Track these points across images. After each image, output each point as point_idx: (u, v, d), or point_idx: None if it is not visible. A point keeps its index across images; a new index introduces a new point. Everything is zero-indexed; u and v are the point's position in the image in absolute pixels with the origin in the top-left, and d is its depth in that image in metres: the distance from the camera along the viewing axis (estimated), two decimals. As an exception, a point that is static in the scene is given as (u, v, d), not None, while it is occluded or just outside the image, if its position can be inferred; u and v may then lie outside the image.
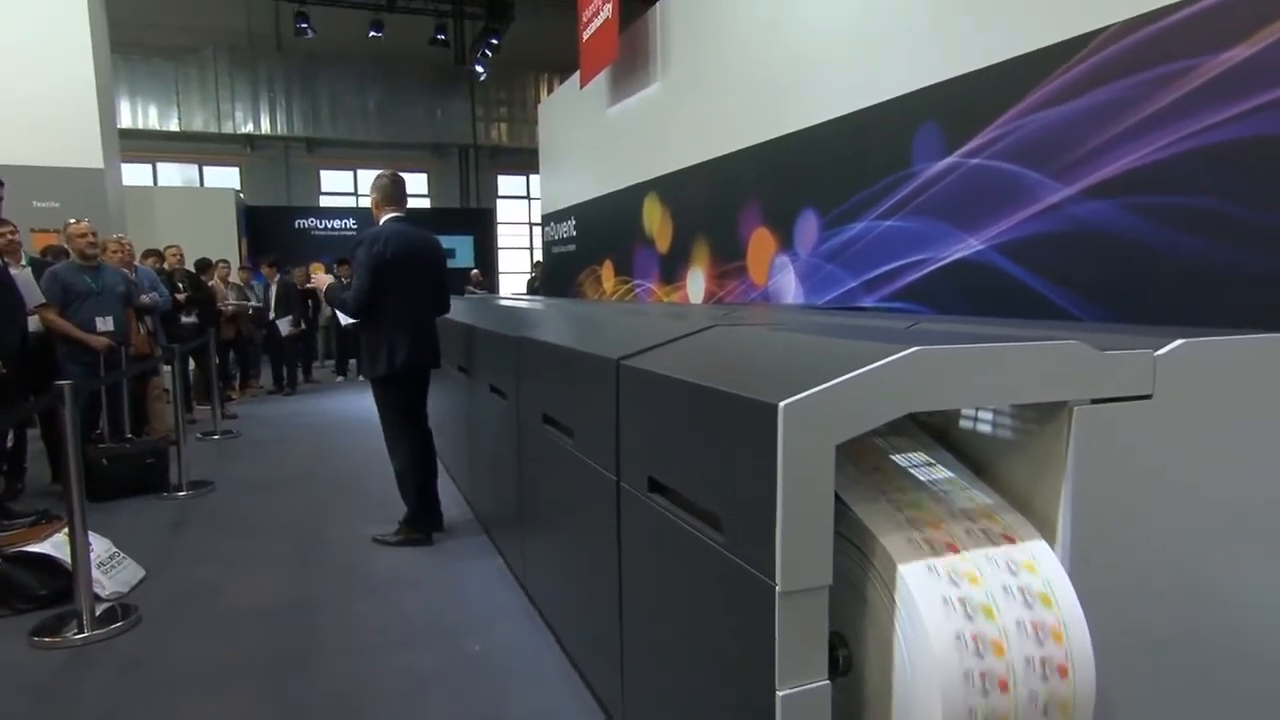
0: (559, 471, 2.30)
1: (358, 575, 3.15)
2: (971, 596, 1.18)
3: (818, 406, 1.12)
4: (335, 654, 2.49)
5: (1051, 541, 1.30)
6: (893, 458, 1.43)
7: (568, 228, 9.12)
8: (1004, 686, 1.14)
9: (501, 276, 15.46)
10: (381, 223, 3.48)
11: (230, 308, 7.71)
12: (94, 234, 4.61)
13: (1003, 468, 1.41)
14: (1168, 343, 1.34)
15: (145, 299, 5.40)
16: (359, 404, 3.97)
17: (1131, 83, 2.69)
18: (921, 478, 1.38)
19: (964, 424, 1.50)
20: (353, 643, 2.56)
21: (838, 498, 1.31)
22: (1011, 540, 1.27)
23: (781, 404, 1.11)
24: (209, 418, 6.27)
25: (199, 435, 6.01)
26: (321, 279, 4.20)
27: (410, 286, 3.40)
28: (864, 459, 1.42)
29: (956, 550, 1.23)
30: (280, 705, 2.20)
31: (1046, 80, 2.99)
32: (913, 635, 1.16)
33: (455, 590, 2.98)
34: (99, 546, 3.05)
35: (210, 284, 7.40)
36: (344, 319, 3.68)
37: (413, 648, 2.52)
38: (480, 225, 14.70)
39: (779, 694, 1.12)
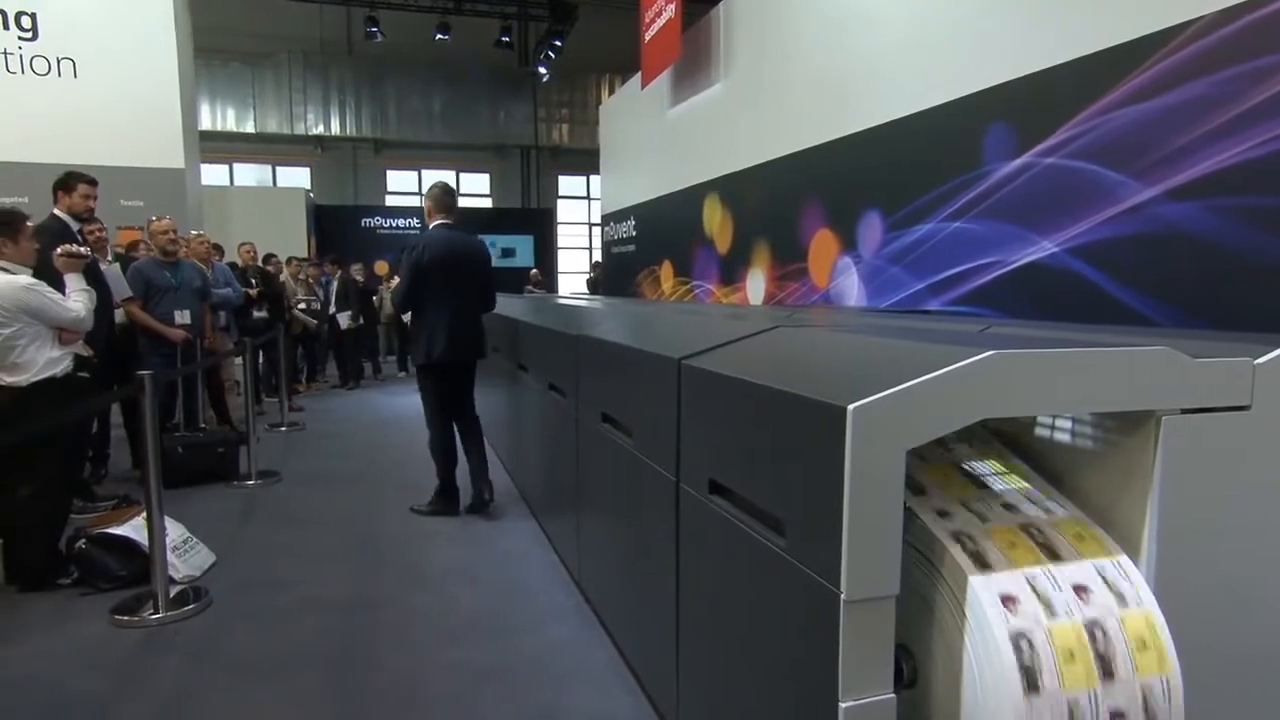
0: (617, 471, 2.29)
1: (415, 569, 3.20)
2: (1046, 612, 1.13)
3: (888, 410, 1.09)
4: (393, 648, 2.53)
5: (1135, 558, 1.23)
6: (965, 466, 1.38)
7: (627, 228, 9.14)
8: (1077, 703, 1.09)
9: (560, 276, 15.60)
10: (431, 228, 3.86)
11: (301, 306, 7.95)
12: (175, 231, 4.81)
13: (1082, 480, 1.35)
14: (1268, 351, 1.26)
15: (219, 294, 5.61)
16: (418, 399, 4.05)
17: (1221, 78, 2.56)
18: (995, 487, 1.33)
19: (1040, 432, 1.44)
20: (410, 637, 2.61)
21: (906, 506, 1.27)
22: (1091, 555, 1.21)
23: (851, 407, 1.08)
24: (276, 410, 6.48)
25: (267, 427, 6.21)
26: (395, 282, 4.55)
27: (448, 287, 3.75)
28: (934, 466, 1.37)
29: (1031, 563, 1.18)
30: (341, 696, 2.24)
31: (1129, 76, 2.87)
32: (983, 650, 1.12)
33: (510, 587, 3.01)
34: (173, 531, 3.17)
35: (281, 279, 7.64)
36: (404, 316, 4.11)
37: (467, 644, 2.54)
38: (540, 225, 14.86)
39: (842, 706, 1.09)
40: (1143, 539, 1.22)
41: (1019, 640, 1.10)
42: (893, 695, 1.12)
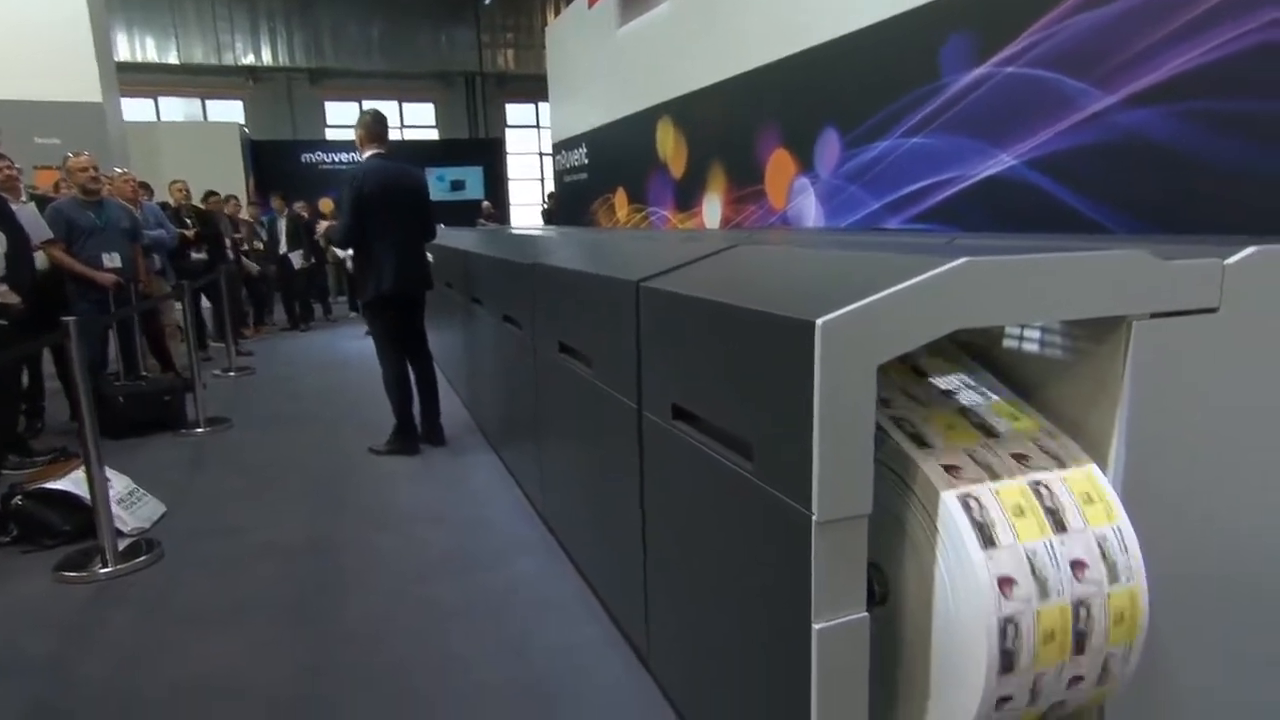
0: (577, 401, 2.23)
1: (376, 510, 3.14)
2: (1018, 522, 1.11)
3: (858, 324, 1.03)
4: (355, 590, 2.48)
5: (1104, 467, 1.22)
6: (933, 380, 1.35)
7: (579, 155, 8.89)
8: (1052, 610, 1.08)
9: (513, 209, 15.23)
10: (365, 159, 3.72)
11: (250, 251, 7.62)
12: (95, 168, 4.50)
13: (1052, 391, 1.32)
14: (1236, 251, 1.23)
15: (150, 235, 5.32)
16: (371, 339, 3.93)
17: (1185, -23, 2.48)
18: (964, 401, 1.30)
19: (1009, 344, 1.41)
20: (372, 579, 2.56)
21: (876, 423, 1.23)
22: (1061, 464, 1.19)
23: (819, 321, 1.03)
24: (224, 356, 6.26)
25: (215, 373, 6.00)
26: (323, 225, 4.69)
27: (391, 218, 3.63)
28: (903, 382, 1.34)
29: (1003, 475, 1.16)
30: (302, 639, 2.20)
31: (1091, -22, 2.78)
32: (955, 563, 1.09)
33: (474, 522, 2.97)
34: (118, 483, 3.05)
35: (241, 217, 7.28)
36: (341, 254, 3.97)
37: (433, 582, 2.51)
38: (490, 155, 14.41)
39: (815, 628, 1.07)
40: (1111, 448, 1.21)
41: (991, 551, 1.08)
42: (866, 615, 1.10)
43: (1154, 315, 1.18)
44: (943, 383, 1.35)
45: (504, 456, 3.61)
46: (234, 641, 2.20)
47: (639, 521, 1.79)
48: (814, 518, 1.05)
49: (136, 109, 12.00)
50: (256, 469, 3.74)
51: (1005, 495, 1.13)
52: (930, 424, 1.23)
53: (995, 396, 1.32)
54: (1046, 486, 1.16)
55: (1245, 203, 2.38)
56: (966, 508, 1.11)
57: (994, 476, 1.15)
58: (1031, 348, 1.36)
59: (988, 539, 1.09)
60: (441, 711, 1.86)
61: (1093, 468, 1.20)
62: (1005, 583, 1.07)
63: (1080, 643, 1.11)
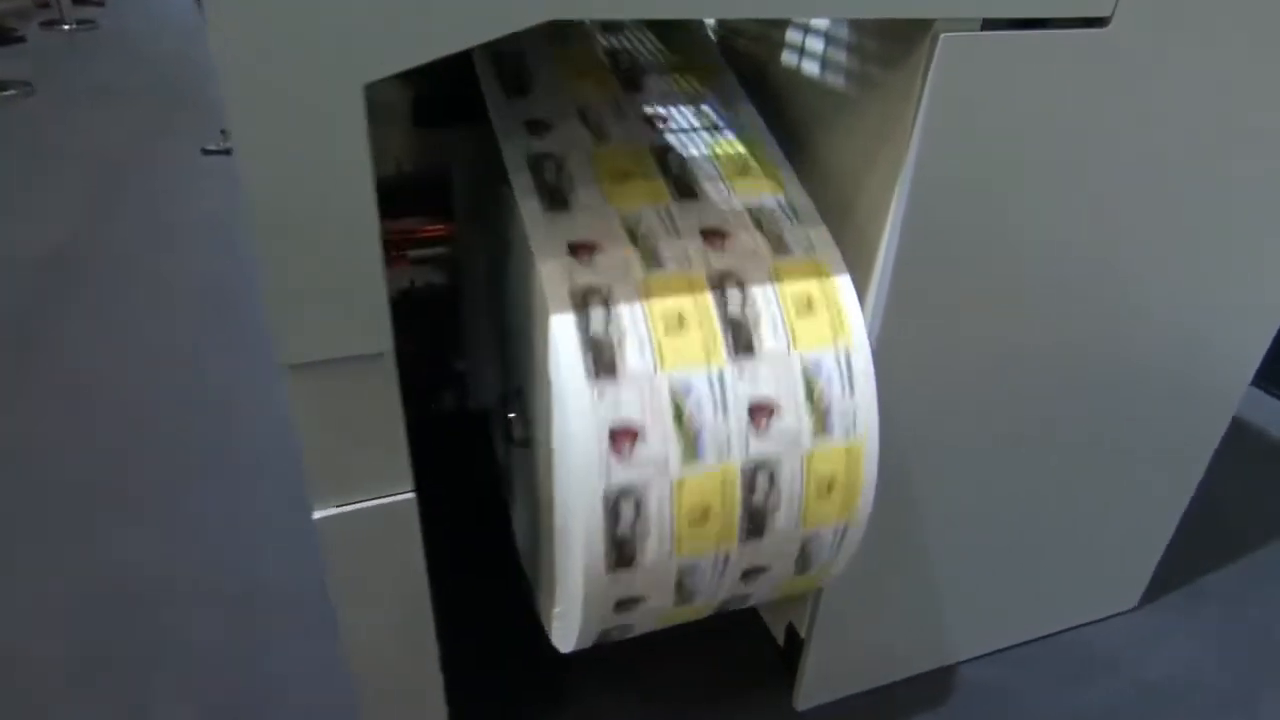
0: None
1: (166, 222, 2.58)
2: (670, 340, 0.69)
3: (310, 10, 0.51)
4: (85, 317, 2.04)
5: (868, 267, 0.78)
6: (648, 104, 0.86)
7: None
8: (705, 477, 0.70)
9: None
10: None
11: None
12: None
13: (826, 140, 0.85)
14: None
15: None
16: None
17: None
18: (673, 139, 0.82)
19: (787, 60, 0.90)
20: (113, 307, 2.10)
21: (505, 180, 0.77)
22: (785, 251, 0.75)
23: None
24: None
25: (41, 23, 4.98)
26: None
27: None
28: (594, 97, 0.84)
29: (668, 264, 0.72)
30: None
31: None
32: (559, 402, 0.69)
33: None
34: None
35: None
36: None
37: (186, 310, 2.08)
38: None
39: (315, 515, 0.68)
40: (882, 235, 0.76)
41: (596, 391, 0.67)
42: (407, 496, 0.70)
43: (987, 24, 0.67)
44: (658, 107, 0.86)
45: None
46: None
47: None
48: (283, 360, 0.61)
49: None
50: (37, 153, 3.04)
51: (659, 296, 0.70)
52: (593, 168, 0.77)
53: (729, 135, 0.84)
54: (740, 285, 0.73)
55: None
56: (582, 314, 0.68)
57: (652, 264, 0.71)
58: (811, 71, 0.86)
59: (604, 364, 0.67)
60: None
61: (831, 262, 0.76)
62: (622, 435, 0.67)
63: (757, 523, 0.75)
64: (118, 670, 1.10)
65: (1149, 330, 0.94)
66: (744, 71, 0.93)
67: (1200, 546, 1.36)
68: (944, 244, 0.76)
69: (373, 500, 0.70)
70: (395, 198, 1.25)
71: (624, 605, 0.75)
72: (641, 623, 0.80)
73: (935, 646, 1.14)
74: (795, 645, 1.06)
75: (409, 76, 0.57)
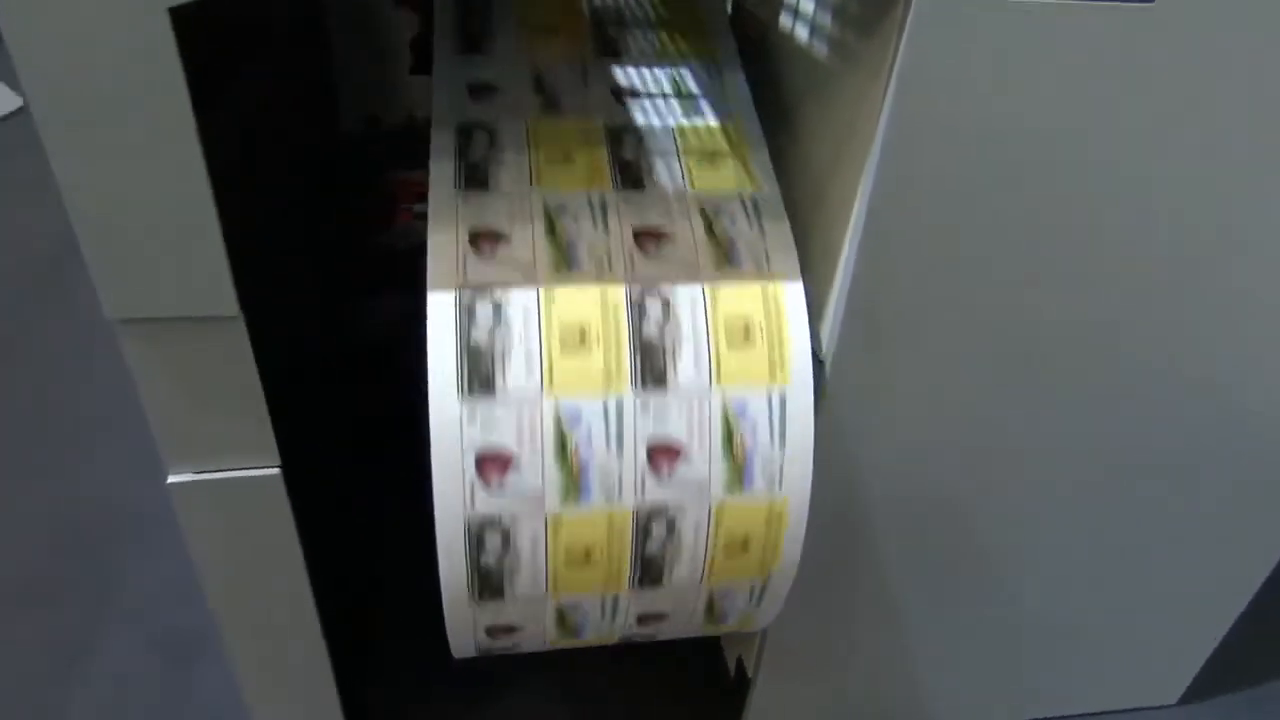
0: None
1: None
2: (565, 359, 0.59)
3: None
4: None
5: (829, 272, 0.65)
6: (618, 67, 0.74)
7: None
8: (587, 518, 0.61)
9: None
10: None
11: None
12: None
13: (807, 119, 0.71)
14: None
15: None
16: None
17: None
18: (639, 116, 0.71)
19: (783, 22, 0.76)
20: None
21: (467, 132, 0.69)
22: (727, 262, 0.63)
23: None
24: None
25: None
26: None
27: None
28: (559, 55, 0.74)
29: (585, 265, 0.61)
30: None
31: None
32: (434, 417, 0.61)
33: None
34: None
35: None
36: None
37: None
38: None
39: (170, 480, 0.63)
40: (845, 236, 0.62)
41: (479, 402, 0.58)
42: (277, 470, 0.64)
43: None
44: (631, 72, 0.74)
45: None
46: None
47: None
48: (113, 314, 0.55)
49: None
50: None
51: (563, 303, 0.60)
52: (530, 143, 0.66)
53: (706, 111, 0.71)
54: (665, 301, 0.61)
55: None
56: (465, 316, 0.59)
57: (563, 264, 0.61)
58: (801, 36, 0.71)
59: (480, 378, 0.58)
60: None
61: (785, 283, 0.63)
62: (491, 463, 0.59)
63: (652, 572, 0.65)
64: (69, 597, 1.12)
65: (1205, 381, 0.75)
66: (749, 34, 0.79)
67: (1260, 646, 1.15)
68: (907, 255, 0.62)
69: (233, 471, 0.65)
70: (405, 149, 1.19)
71: (497, 631, 0.68)
72: (527, 645, 0.72)
73: (917, 713, 1.01)
74: (743, 683, 0.96)
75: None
